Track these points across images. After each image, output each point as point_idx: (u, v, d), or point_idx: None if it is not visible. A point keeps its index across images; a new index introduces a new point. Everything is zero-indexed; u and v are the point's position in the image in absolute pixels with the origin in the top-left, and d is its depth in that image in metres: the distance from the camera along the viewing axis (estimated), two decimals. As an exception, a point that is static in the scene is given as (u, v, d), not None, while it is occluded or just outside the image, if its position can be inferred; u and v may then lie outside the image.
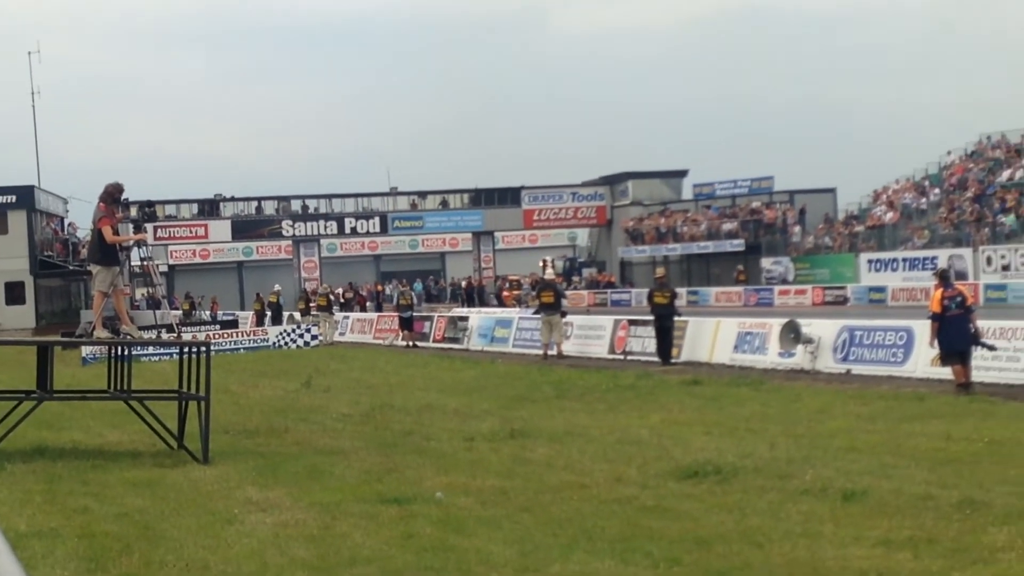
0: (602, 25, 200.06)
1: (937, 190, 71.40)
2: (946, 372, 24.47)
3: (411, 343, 46.58)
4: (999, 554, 10.33)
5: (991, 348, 22.99)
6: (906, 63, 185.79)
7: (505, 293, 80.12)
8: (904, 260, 65.14)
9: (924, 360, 25.55)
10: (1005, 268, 57.68)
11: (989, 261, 59.28)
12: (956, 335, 22.62)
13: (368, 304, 78.96)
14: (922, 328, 26.08)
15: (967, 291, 23.33)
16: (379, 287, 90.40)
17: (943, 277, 23.57)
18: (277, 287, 64.89)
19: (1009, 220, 60.84)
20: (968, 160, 73.56)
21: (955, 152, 75.67)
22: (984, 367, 24.04)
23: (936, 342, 23.08)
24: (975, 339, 22.70)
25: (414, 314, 49.15)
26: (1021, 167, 67.11)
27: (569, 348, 36.84)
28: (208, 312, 75.72)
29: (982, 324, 24.38)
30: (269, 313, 62.04)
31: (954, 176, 71.92)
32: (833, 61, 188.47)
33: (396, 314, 49.99)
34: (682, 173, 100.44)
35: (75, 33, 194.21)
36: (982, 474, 13.88)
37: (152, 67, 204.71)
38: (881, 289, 62.04)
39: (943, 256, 61.87)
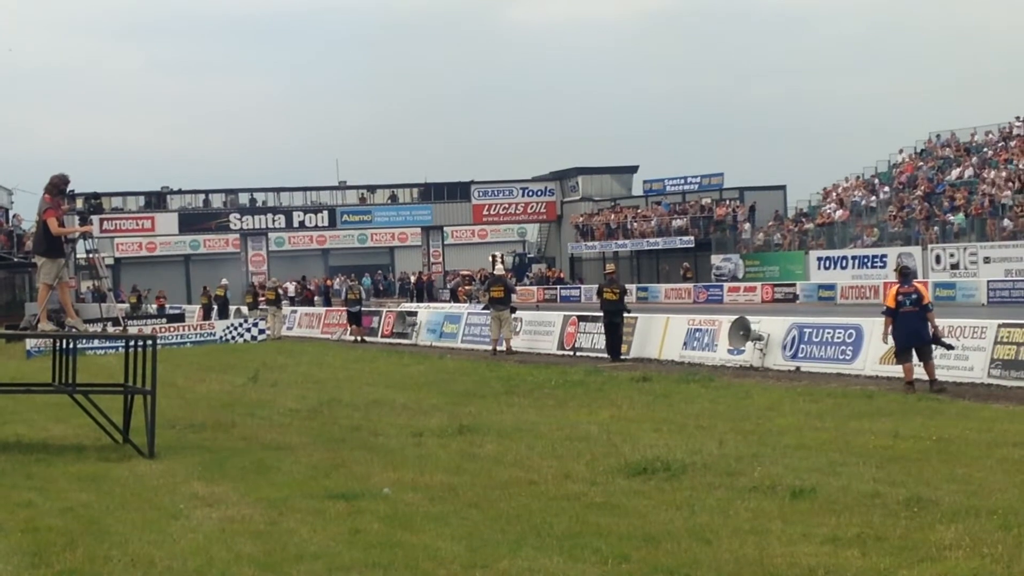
0: (553, 17, 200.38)
1: (887, 188, 71.89)
2: (895, 370, 24.64)
3: (359, 338, 46.48)
4: (946, 552, 10.39)
5: (949, 347, 23.08)
6: (856, 60, 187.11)
7: (460, 288, 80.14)
8: (854, 258, 65.54)
9: (873, 358, 25.70)
10: (954, 267, 58.19)
11: (938, 259, 59.76)
12: (909, 332, 22.72)
13: (316, 299, 78.73)
14: (871, 326, 26.27)
15: (925, 290, 23.36)
16: (327, 281, 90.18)
17: (903, 273, 23.67)
18: (224, 281, 64.67)
19: (958, 219, 61.33)
20: (918, 158, 74.13)
21: (905, 150, 76.25)
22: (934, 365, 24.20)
23: (890, 338, 23.18)
24: (935, 338, 22.79)
25: (362, 309, 49.04)
26: (970, 166, 67.71)
27: (518, 344, 36.86)
28: (154, 306, 75.28)
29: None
30: (216, 307, 61.80)
31: (904, 174, 72.45)
32: (784, 57, 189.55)
33: (344, 309, 49.86)
34: (632, 169, 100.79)
35: (17, 23, 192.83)
36: (930, 472, 13.96)
37: (96, 57, 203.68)
38: (831, 287, 62.39)
39: (892, 254, 62.31)
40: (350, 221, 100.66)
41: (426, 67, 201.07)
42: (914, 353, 22.85)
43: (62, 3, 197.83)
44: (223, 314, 58.85)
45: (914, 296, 22.78)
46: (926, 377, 22.64)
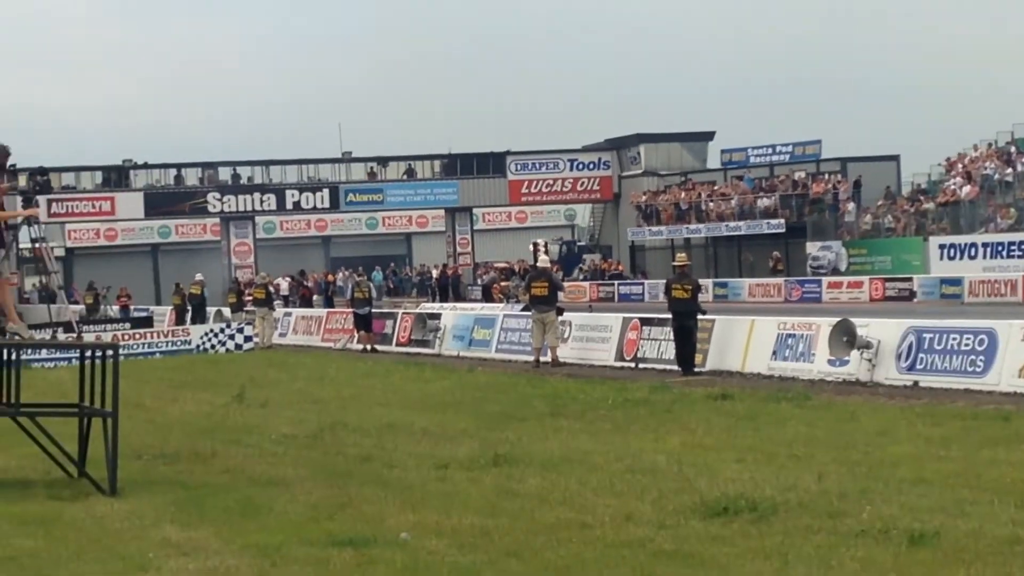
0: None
1: (1026, 158, 71.62)
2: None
3: (369, 346, 46.57)
4: (1104, 611, 10.38)
5: None
6: (987, 2, 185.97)
7: (495, 285, 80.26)
8: (985, 246, 65.30)
9: (1010, 370, 25.61)
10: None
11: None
12: None
13: (315, 298, 79.03)
14: (1008, 330, 26.18)
15: None
16: (329, 277, 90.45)
17: None
18: (199, 276, 64.89)
19: (1116, 195, 61.12)
20: (1066, 120, 73.76)
21: (1049, 111, 75.89)
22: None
23: None
24: None
25: (372, 311, 49.12)
26: None
27: (567, 353, 36.88)
28: (115, 307, 75.67)
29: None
30: (190, 309, 62.03)
31: (1049, 141, 72.15)
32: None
33: (350, 311, 49.96)
34: (707, 136, 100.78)
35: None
36: (1082, 512, 13.93)
37: (39, 5, 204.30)
38: (956, 282, 62.21)
39: (1033, 241, 62.10)
40: (356, 202, 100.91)
41: (451, 13, 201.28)
42: None
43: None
44: (199, 318, 59.07)
45: None
46: None
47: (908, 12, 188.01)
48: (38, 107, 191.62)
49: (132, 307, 74.38)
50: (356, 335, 48.31)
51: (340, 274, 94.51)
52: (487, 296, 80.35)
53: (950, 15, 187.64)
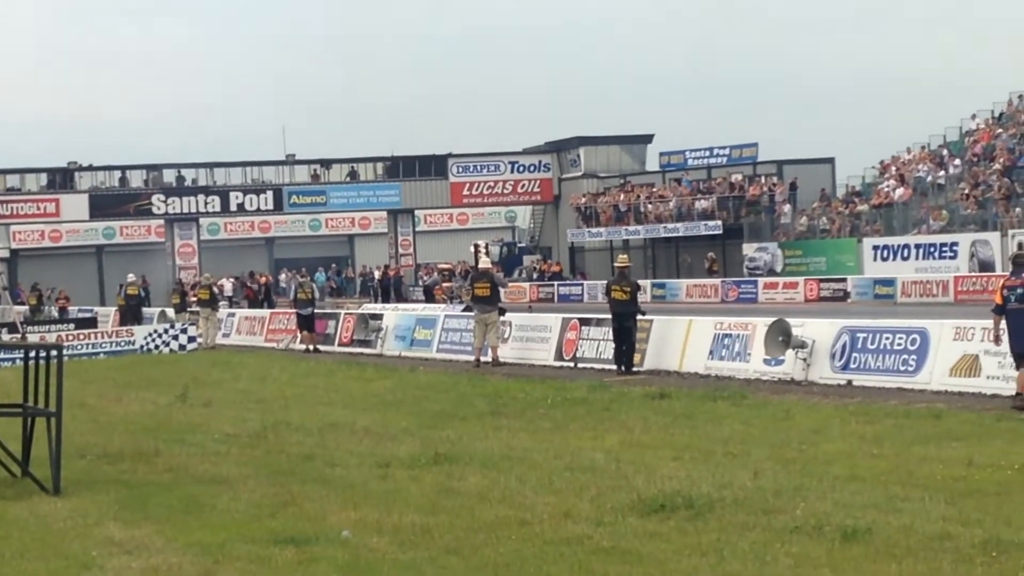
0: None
1: (958, 161, 71.95)
2: (968, 384, 24.78)
3: (311, 346, 46.49)
4: (1032, 605, 10.44)
5: None
6: (920, 8, 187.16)
7: (437, 287, 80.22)
8: (917, 247, 65.60)
9: (941, 369, 25.73)
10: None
11: (1021, 247, 59.76)
12: (1018, 332, 22.68)
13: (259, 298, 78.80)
14: (939, 330, 26.33)
15: None
16: (264, 278, 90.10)
17: (1015, 262, 23.65)
18: (131, 277, 64.60)
19: (1045, 198, 61.46)
20: (996, 124, 74.17)
21: (980, 115, 76.23)
22: (1007, 376, 24.27)
23: (1005, 342, 23.16)
24: None
25: (315, 311, 49.04)
26: (1060, 134, 67.78)
27: (507, 353, 36.89)
28: (55, 308, 75.35)
29: (1002, 325, 24.67)
30: (125, 308, 61.73)
31: (979, 144, 72.47)
32: (832, 5, 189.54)
33: (293, 311, 49.87)
34: (646, 139, 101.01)
35: None
36: (1011, 508, 13.99)
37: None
38: (889, 282, 62.47)
39: (964, 241, 62.39)
40: (300, 203, 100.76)
41: (394, 11, 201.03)
42: None
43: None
44: (136, 318, 58.85)
45: (1020, 290, 22.73)
46: None
47: (841, 19, 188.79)
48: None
49: (76, 308, 73.93)
50: (299, 335, 48.22)
51: (283, 275, 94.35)
52: (429, 297, 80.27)
53: (882, 22, 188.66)
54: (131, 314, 60.59)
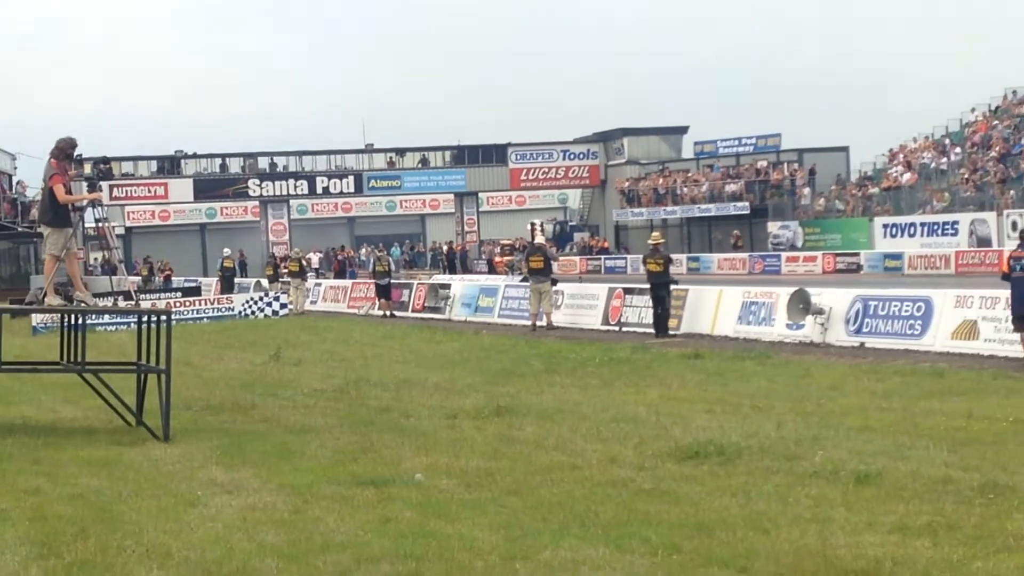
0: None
1: (959, 149, 71.41)
2: (968, 346, 24.68)
3: (388, 312, 46.52)
4: (1024, 541, 10.38)
5: None
6: (925, 11, 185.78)
7: (497, 259, 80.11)
8: (922, 225, 65.18)
9: (944, 333, 25.61)
10: (1031, 234, 57.82)
11: (1015, 226, 59.22)
12: (1021, 298, 22.61)
13: (350, 271, 78.99)
14: (942, 298, 26.21)
15: None
16: (346, 252, 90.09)
17: (1022, 236, 23.63)
18: (226, 251, 64.73)
19: (1036, 182, 60.93)
20: (992, 117, 73.55)
21: (978, 108, 75.60)
22: (1002, 340, 24.18)
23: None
24: None
25: (392, 281, 49.08)
26: (1049, 125, 67.18)
27: (559, 318, 36.84)
28: (160, 279, 75.63)
29: (1004, 294, 24.52)
30: (222, 278, 61.97)
31: (977, 134, 71.91)
32: (847, 9, 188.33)
33: (373, 281, 49.88)
34: (682, 130, 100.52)
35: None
36: (1006, 456, 13.92)
37: (107, 16, 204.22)
38: (897, 256, 62.16)
39: (964, 220, 61.98)
40: (377, 187, 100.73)
41: (459, 21, 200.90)
42: None
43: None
44: (228, 288, 58.98)
45: None
46: None
47: (858, 19, 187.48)
48: (102, 103, 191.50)
49: (183, 279, 74.19)
50: (377, 302, 48.22)
51: (363, 250, 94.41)
52: (491, 269, 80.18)
53: (893, 24, 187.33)
54: (226, 283, 60.86)
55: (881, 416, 17.22)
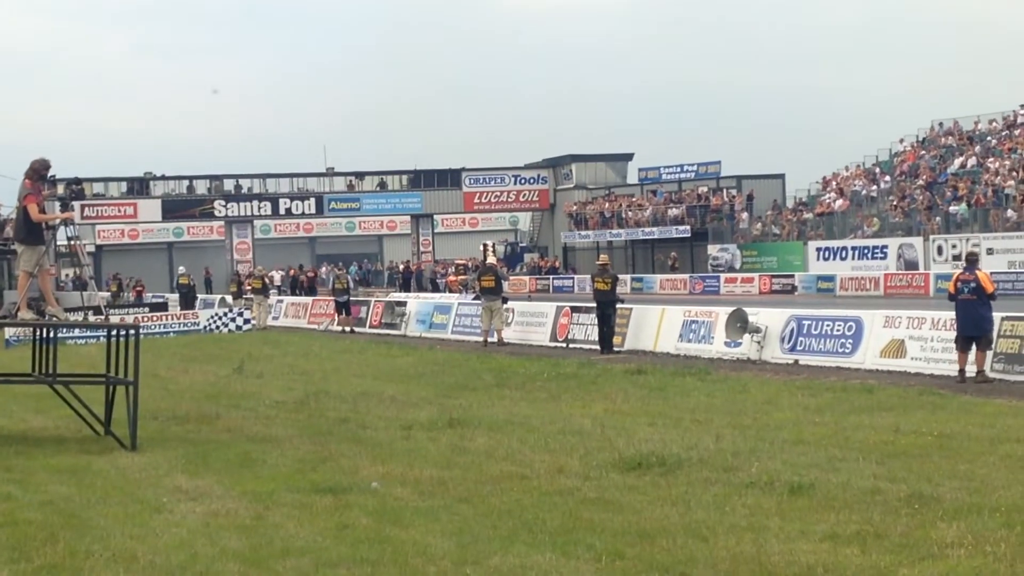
0: (548, 4, 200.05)
1: (888, 177, 71.85)
2: (896, 364, 24.84)
3: (349, 328, 46.42)
4: (948, 550, 10.41)
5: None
6: (857, 47, 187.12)
7: (451, 278, 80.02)
8: (853, 248, 65.51)
9: (873, 351, 25.74)
10: (956, 258, 57.95)
11: (940, 250, 59.70)
12: (964, 320, 22.83)
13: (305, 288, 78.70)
14: (871, 318, 26.34)
15: (986, 279, 23.14)
16: (312, 272, 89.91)
17: (968, 260, 23.83)
18: (181, 269, 64.66)
19: (961, 209, 61.29)
20: (920, 147, 74.07)
21: (907, 139, 76.15)
22: (928, 358, 24.35)
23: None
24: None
25: (351, 298, 49.02)
26: (973, 155, 67.64)
27: (510, 335, 36.88)
28: (131, 295, 75.23)
29: (930, 315, 24.73)
30: (179, 296, 62.04)
31: (905, 163, 72.39)
32: (783, 44, 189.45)
33: (332, 298, 49.79)
34: (627, 156, 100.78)
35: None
36: (931, 468, 13.98)
37: (79, 41, 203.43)
38: (830, 278, 62.42)
39: (893, 245, 62.33)
40: (338, 208, 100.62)
41: (416, 52, 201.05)
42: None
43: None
44: (188, 305, 58.92)
45: (972, 284, 22.83)
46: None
47: (792, 56, 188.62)
48: (74, 126, 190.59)
49: (150, 295, 73.86)
50: (336, 318, 48.14)
51: (323, 268, 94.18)
52: (435, 287, 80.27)
53: (826, 59, 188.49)
54: (183, 299, 60.90)
55: (814, 430, 17.27)
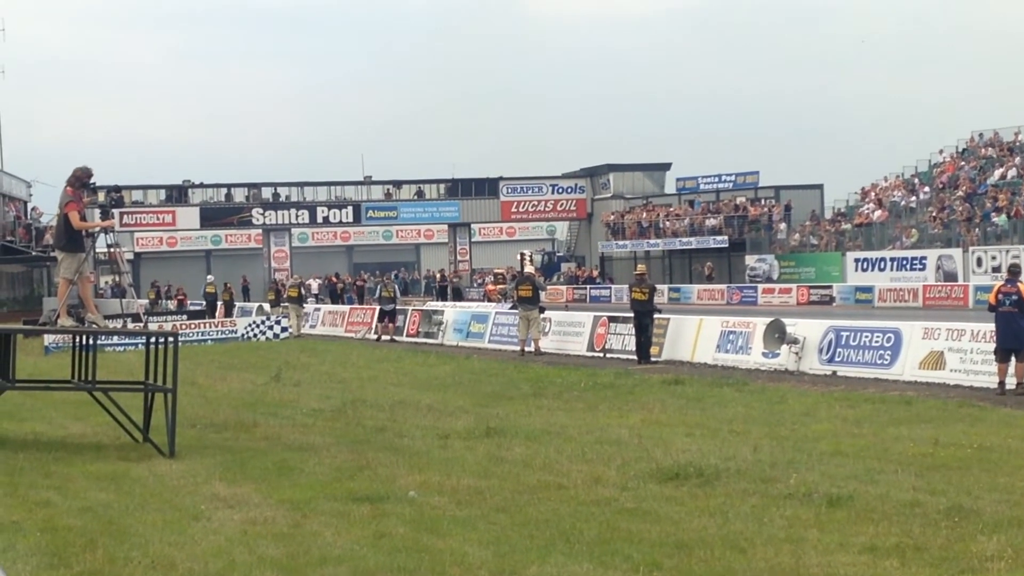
0: (584, 13, 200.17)
1: (927, 188, 71.57)
2: (935, 375, 24.72)
3: (391, 337, 46.39)
4: (988, 563, 10.36)
5: None
6: (897, 57, 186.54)
7: (489, 287, 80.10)
8: (892, 260, 65.27)
9: (912, 363, 25.63)
10: (996, 270, 57.65)
11: (980, 262, 59.43)
12: (1005, 332, 22.77)
13: (348, 296, 79.00)
14: (910, 330, 26.24)
15: None
16: (362, 281, 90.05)
17: (1010, 272, 23.76)
18: (210, 278, 64.96)
19: (1000, 220, 61.01)
20: (959, 158, 73.75)
21: (946, 150, 75.83)
22: (967, 370, 24.24)
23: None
24: None
25: (396, 308, 49.01)
26: (1013, 166, 67.33)
27: (547, 345, 36.85)
28: (172, 303, 75.57)
29: (969, 327, 24.61)
30: (206, 305, 62.48)
31: (945, 174, 72.10)
32: (823, 54, 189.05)
33: (376, 307, 49.71)
34: (665, 166, 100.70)
35: (39, 13, 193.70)
36: (971, 481, 13.92)
37: (119, 49, 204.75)
38: (868, 289, 62.18)
39: (932, 256, 62.06)
40: (375, 217, 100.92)
41: (454, 61, 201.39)
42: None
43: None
44: (212, 312, 59.33)
45: (1014, 296, 22.75)
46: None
47: (832, 63, 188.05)
48: (114, 134, 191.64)
49: (187, 303, 74.23)
50: (376, 326, 48.14)
51: (367, 277, 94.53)
52: (457, 296, 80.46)
53: (867, 68, 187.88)
54: (210, 307, 61.30)
55: (852, 441, 17.21)
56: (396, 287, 52.72)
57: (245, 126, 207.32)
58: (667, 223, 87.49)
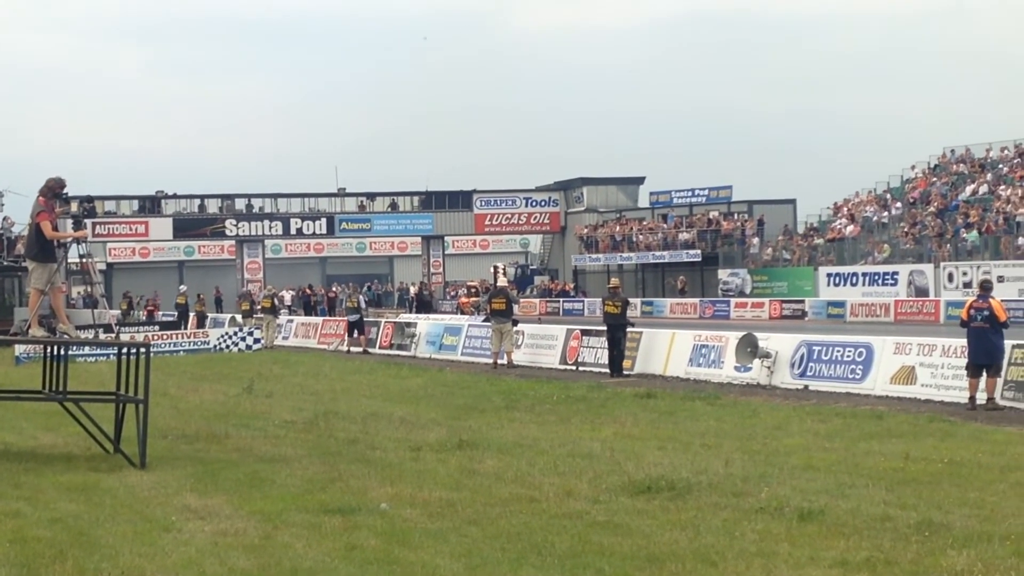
0: (559, 27, 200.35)
1: (899, 204, 71.85)
2: (906, 390, 24.79)
3: (363, 348, 46.34)
4: (958, 577, 10.39)
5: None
6: (870, 73, 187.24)
7: (463, 299, 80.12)
8: (864, 275, 65.48)
9: (883, 377, 25.70)
10: (967, 285, 57.93)
11: (951, 278, 59.67)
12: (975, 347, 22.85)
13: (320, 308, 78.95)
14: (882, 344, 26.31)
15: (999, 307, 23.17)
16: (333, 293, 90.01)
17: (982, 287, 23.89)
18: (182, 288, 64.92)
19: (972, 236, 61.28)
20: (931, 174, 74.09)
21: (918, 166, 76.18)
22: (938, 385, 24.32)
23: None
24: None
25: (364, 318, 48.93)
26: (985, 182, 67.66)
27: (520, 357, 36.84)
28: (142, 313, 75.42)
29: (941, 342, 24.69)
30: (176, 315, 62.58)
31: (917, 190, 72.41)
32: (796, 70, 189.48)
33: (345, 318, 49.72)
34: (639, 180, 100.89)
35: (11, 23, 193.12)
36: (941, 495, 13.96)
37: (91, 59, 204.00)
38: (840, 304, 62.36)
39: (904, 271, 62.30)
40: (349, 229, 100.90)
41: (428, 75, 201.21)
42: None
43: (59, 4, 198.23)
44: (184, 323, 59.41)
45: (986, 312, 22.85)
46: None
47: (806, 80, 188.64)
48: (87, 144, 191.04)
49: (160, 313, 74.04)
50: (347, 339, 48.11)
51: (334, 288, 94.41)
52: (422, 307, 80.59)
53: (841, 83, 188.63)
54: (181, 317, 61.33)
55: (824, 456, 17.24)
56: (361, 298, 52.68)
57: (220, 138, 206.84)
58: (640, 237, 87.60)
